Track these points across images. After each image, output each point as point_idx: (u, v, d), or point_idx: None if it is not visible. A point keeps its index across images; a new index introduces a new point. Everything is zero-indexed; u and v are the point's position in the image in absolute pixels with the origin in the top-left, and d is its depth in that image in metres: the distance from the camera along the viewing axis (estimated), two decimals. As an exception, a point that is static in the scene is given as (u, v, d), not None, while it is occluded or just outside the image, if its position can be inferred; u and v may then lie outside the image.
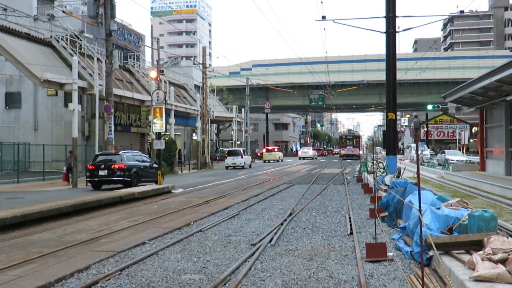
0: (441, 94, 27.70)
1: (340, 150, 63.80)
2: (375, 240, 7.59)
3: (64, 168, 22.79)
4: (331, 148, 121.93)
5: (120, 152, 20.51)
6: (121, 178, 19.03)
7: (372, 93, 65.40)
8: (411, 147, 42.46)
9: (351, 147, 59.34)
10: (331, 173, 29.91)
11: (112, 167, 19.13)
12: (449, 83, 59.41)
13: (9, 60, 22.87)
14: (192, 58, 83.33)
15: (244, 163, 38.92)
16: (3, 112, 31.78)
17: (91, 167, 19.70)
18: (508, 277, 4.79)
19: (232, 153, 39.17)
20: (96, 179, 19.46)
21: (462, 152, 41.43)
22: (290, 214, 11.75)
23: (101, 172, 19.22)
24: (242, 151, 39.69)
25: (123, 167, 19.15)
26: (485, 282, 4.79)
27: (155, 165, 21.73)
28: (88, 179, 20.31)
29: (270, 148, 57.80)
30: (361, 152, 51.78)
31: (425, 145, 44.97)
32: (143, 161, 21.21)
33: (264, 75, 62.84)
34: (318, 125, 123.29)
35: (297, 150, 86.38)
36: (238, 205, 13.92)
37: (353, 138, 61.13)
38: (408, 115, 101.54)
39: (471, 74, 46.90)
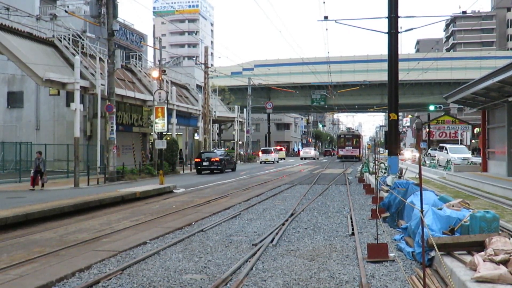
0: (443, 95, 27.67)
1: (337, 151, 57.93)
2: (377, 241, 7.58)
3: (32, 171, 19.82)
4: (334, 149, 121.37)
5: (215, 150, 34.34)
6: (216, 166, 30.52)
7: (374, 93, 65.34)
8: (446, 149, 34.41)
9: (351, 147, 54.10)
10: (332, 173, 29.88)
11: (212, 159, 30.64)
12: (451, 83, 59.32)
13: (11, 59, 22.90)
14: (194, 58, 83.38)
15: (274, 159, 50.71)
16: (5, 112, 31.83)
17: (198, 160, 31.25)
18: (509, 278, 4.78)
19: (265, 151, 51.77)
20: (200, 167, 30.86)
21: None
22: (292, 214, 11.75)
23: (204, 163, 30.72)
24: (272, 150, 52.73)
25: (218, 159, 30.67)
26: (487, 283, 4.78)
27: (231, 158, 35.55)
28: (196, 167, 31.30)
29: (278, 148, 64.83)
30: (362, 152, 51.28)
31: (464, 147, 37.50)
32: (225, 155, 33.24)
33: (266, 75, 62.82)
34: (320, 126, 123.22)
35: (298, 150, 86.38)
36: (239, 205, 13.92)
37: (352, 137, 55.38)
38: (410, 116, 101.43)
39: (473, 74, 46.80)
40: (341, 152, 54.98)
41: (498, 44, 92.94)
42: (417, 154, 42.30)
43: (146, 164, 30.26)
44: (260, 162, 49.75)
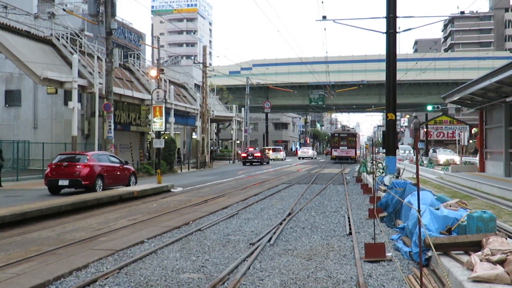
0: (441, 95, 27.69)
1: (331, 151, 51.40)
2: (374, 240, 7.59)
3: None
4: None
5: (256, 148, 49.33)
6: (258, 160, 43.47)
7: (372, 93, 65.38)
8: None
9: (346, 147, 48.33)
10: (330, 173, 29.91)
11: (254, 155, 43.74)
12: (449, 84, 59.39)
13: (9, 58, 22.85)
14: (192, 57, 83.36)
15: (283, 156, 58.90)
16: (3, 110, 31.76)
17: (245, 155, 44.51)
18: (506, 278, 4.79)
19: (275, 150, 59.15)
20: (246, 160, 43.57)
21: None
22: (289, 214, 11.75)
23: (249, 157, 43.66)
24: (281, 148, 62.25)
25: (260, 155, 43.93)
26: (484, 283, 4.79)
27: (266, 154, 48.08)
28: (243, 160, 44.40)
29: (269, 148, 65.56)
30: (358, 153, 49.07)
31: None
32: (262, 151, 45.63)
33: (264, 74, 62.82)
34: (318, 125, 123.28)
35: (296, 150, 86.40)
36: (237, 205, 13.92)
37: (347, 136, 49.13)
38: (408, 116, 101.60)
39: (471, 75, 46.90)
40: (335, 153, 48.98)
41: (496, 45, 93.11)
42: (456, 158, 35.69)
43: (144, 163, 30.23)
44: (272, 159, 54.52)
